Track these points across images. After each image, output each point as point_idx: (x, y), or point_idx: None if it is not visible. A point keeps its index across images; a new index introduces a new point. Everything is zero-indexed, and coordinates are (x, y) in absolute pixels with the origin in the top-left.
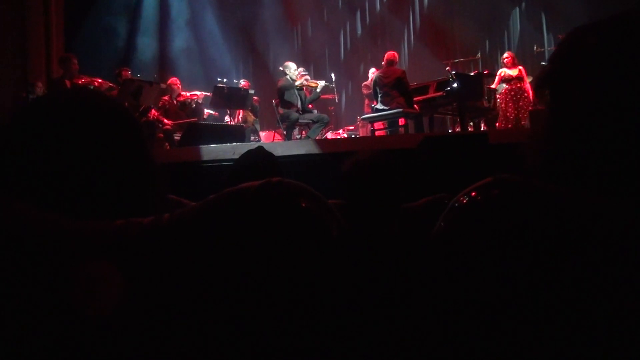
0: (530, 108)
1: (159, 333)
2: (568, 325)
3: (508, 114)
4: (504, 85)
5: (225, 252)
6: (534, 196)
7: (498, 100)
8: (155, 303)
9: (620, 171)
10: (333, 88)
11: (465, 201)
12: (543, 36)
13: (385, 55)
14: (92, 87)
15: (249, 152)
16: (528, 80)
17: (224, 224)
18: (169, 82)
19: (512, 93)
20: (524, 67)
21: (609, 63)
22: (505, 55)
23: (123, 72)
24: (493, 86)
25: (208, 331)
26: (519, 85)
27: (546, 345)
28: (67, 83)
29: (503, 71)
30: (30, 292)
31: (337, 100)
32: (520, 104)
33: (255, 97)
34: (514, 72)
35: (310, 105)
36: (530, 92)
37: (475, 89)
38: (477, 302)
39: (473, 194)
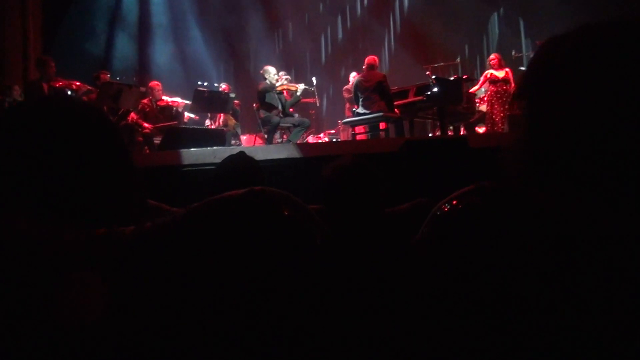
0: None
1: (144, 341)
2: (551, 331)
3: (494, 116)
4: (483, 90)
5: (208, 261)
6: (515, 203)
7: (477, 103)
8: (139, 312)
9: (599, 177)
10: (314, 91)
11: (446, 209)
12: (521, 41)
13: (366, 60)
14: (70, 91)
15: (231, 157)
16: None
17: (207, 232)
18: (149, 85)
19: (498, 95)
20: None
21: (585, 71)
22: (492, 56)
23: (102, 75)
24: (477, 87)
25: (193, 339)
26: (505, 87)
27: (528, 351)
28: (44, 86)
29: (489, 72)
30: (11, 303)
31: (318, 104)
32: (507, 106)
33: (236, 101)
34: (500, 74)
35: (291, 109)
36: None
37: (455, 93)
38: (459, 307)
39: (454, 202)
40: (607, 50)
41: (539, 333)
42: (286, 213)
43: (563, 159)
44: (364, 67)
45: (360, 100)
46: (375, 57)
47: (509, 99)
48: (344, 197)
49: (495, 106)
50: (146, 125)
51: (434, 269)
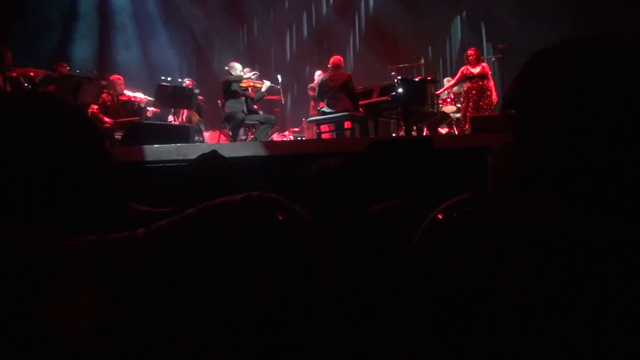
0: (492, 107)
1: (138, 351)
2: (549, 340)
3: (468, 113)
4: (452, 91)
5: (204, 268)
6: (510, 212)
7: (440, 105)
8: (133, 322)
9: (591, 187)
10: (279, 89)
11: (441, 217)
12: (482, 45)
13: (332, 59)
14: (27, 81)
15: (203, 156)
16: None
17: (204, 239)
18: (110, 78)
19: (474, 92)
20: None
21: (575, 83)
22: (469, 51)
23: (60, 68)
24: (452, 82)
25: (189, 347)
26: (480, 83)
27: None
28: (0, 77)
29: (466, 68)
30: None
31: (283, 102)
32: (481, 103)
33: (200, 97)
34: (476, 70)
35: (255, 106)
36: (494, 91)
37: (420, 94)
38: (449, 314)
39: (449, 210)
40: (597, 63)
41: (542, 344)
42: (284, 219)
43: (553, 169)
44: (329, 66)
45: (326, 99)
46: (341, 57)
47: (484, 95)
48: (331, 197)
49: (470, 103)
50: (106, 119)
51: (427, 277)
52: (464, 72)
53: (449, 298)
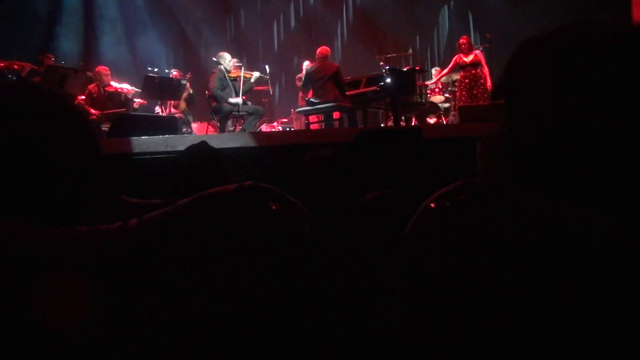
0: (485, 95)
1: (132, 343)
2: (543, 327)
3: (462, 103)
4: (440, 81)
5: (197, 258)
6: (502, 200)
7: (428, 94)
8: (126, 312)
9: (582, 176)
10: (267, 80)
11: (434, 206)
12: (470, 34)
13: (320, 50)
14: (11, 74)
15: (192, 147)
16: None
17: (197, 229)
18: (97, 69)
19: (467, 81)
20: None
21: (564, 70)
22: (462, 39)
23: (46, 60)
24: (445, 71)
25: (185, 338)
26: (473, 72)
27: (527, 350)
28: None
29: (459, 56)
30: None
31: (271, 92)
32: (475, 92)
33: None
34: (468, 58)
35: (244, 97)
36: (488, 79)
37: (408, 84)
38: (443, 303)
39: (442, 199)
40: (586, 50)
41: (534, 333)
42: (278, 208)
43: (542, 158)
44: (317, 56)
45: (313, 89)
46: (328, 48)
47: (477, 84)
48: (325, 187)
49: (464, 92)
50: (93, 111)
51: (420, 266)
52: (457, 60)
53: (443, 287)
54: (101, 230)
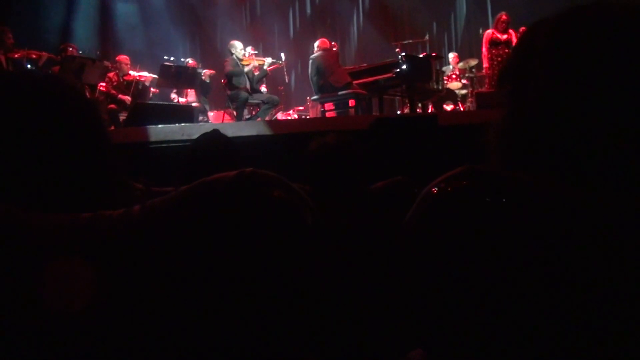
0: None
1: (134, 329)
2: (543, 312)
3: (493, 82)
4: (457, 67)
5: (200, 244)
6: (504, 186)
7: (445, 81)
8: (129, 298)
9: (585, 162)
10: (283, 67)
11: (435, 191)
12: (488, 20)
13: (320, 42)
14: (29, 63)
15: (205, 135)
16: None
17: (198, 215)
18: (117, 58)
19: (499, 59)
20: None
21: (567, 54)
22: (502, 16)
23: (68, 49)
24: (483, 49)
25: (186, 324)
26: (507, 50)
27: (528, 340)
28: (2, 58)
29: (493, 32)
30: None
31: (287, 80)
32: None
33: (211, 70)
34: (503, 36)
35: (261, 86)
36: None
37: (424, 71)
38: (444, 288)
39: (443, 184)
40: (590, 33)
41: (534, 320)
42: (278, 195)
43: (546, 144)
44: (320, 48)
45: (323, 80)
46: (326, 40)
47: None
48: (330, 174)
49: (496, 71)
50: (123, 97)
51: (422, 251)
52: (491, 36)
53: (444, 272)
54: (104, 216)
